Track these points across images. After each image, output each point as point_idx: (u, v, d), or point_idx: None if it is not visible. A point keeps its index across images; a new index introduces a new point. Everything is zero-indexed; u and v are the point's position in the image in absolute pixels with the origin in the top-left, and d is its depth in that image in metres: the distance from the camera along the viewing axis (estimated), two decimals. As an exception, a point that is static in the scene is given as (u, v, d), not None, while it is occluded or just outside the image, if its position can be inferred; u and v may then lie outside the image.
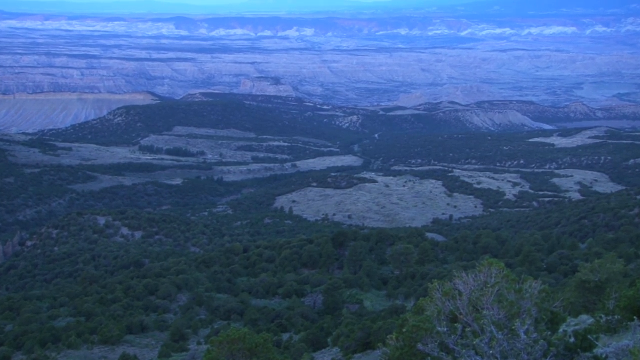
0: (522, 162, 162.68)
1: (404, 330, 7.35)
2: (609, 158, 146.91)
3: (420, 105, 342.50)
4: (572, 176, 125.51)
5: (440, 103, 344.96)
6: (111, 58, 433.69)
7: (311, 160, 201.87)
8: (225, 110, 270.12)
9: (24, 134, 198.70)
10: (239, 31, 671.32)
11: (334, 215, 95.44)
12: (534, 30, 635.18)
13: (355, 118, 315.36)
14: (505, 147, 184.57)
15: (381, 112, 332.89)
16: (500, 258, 30.60)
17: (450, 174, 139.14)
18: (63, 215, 75.53)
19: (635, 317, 7.22)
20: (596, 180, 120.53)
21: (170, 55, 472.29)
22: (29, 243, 64.79)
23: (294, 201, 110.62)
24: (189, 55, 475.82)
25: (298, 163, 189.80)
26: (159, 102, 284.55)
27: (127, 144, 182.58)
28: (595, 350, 6.29)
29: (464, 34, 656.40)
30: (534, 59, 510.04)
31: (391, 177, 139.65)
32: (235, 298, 31.47)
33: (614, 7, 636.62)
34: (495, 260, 8.15)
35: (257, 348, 8.75)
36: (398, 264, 34.72)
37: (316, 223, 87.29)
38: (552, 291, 8.07)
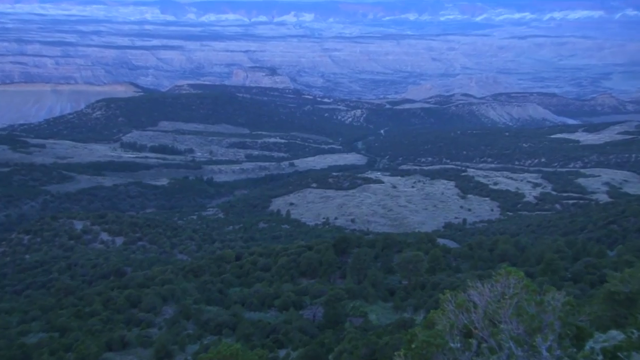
0: (543, 160, 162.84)
1: (413, 346, 7.31)
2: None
3: (430, 97, 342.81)
4: (599, 176, 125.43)
5: (453, 95, 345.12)
6: (89, 45, 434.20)
7: (310, 159, 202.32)
8: (215, 104, 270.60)
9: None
10: (230, 16, 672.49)
11: (336, 219, 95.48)
12: (556, 15, 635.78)
13: (358, 112, 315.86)
14: (524, 144, 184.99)
15: (387, 106, 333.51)
16: (519, 266, 30.57)
17: (463, 174, 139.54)
18: (35, 219, 75.43)
19: (670, 332, 7.18)
20: (626, 181, 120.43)
21: (155, 42, 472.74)
22: (-3, 250, 64.70)
23: (291, 203, 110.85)
24: (176, 42, 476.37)
25: (296, 161, 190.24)
26: (142, 94, 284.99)
27: (107, 141, 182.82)
28: (625, 369, 6.24)
29: (478, 19, 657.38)
30: (556, 46, 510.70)
31: (398, 177, 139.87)
32: (227, 310, 31.43)
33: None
34: (513, 269, 8.12)
35: (249, 366, 8.70)
36: (406, 273, 34.69)
37: (316, 227, 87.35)
38: (578, 303, 8.03)
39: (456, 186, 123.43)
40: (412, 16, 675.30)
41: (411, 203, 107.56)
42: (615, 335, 8.26)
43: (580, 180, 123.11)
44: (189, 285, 36.52)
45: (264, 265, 39.91)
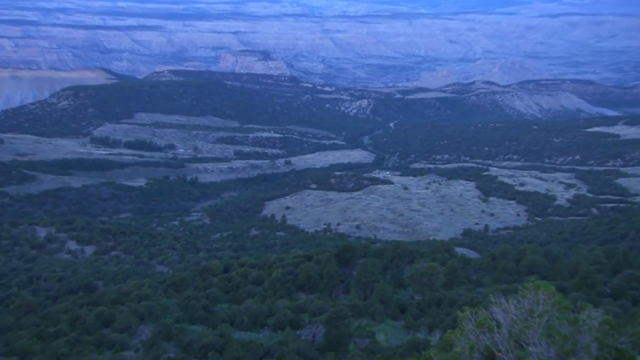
0: (577, 157, 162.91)
1: (427, 371, 7.31)
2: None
3: (447, 86, 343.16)
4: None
5: (473, 83, 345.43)
6: (54, 25, 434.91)
7: (309, 156, 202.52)
8: (200, 93, 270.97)
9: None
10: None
11: (338, 224, 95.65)
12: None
13: (364, 102, 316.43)
14: (555, 139, 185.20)
15: (397, 95, 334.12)
16: (550, 280, 30.58)
17: (485, 173, 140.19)
18: (-8, 226, 75.41)
19: None
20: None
21: (131, 22, 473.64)
22: (-51, 261, 64.74)
23: (287, 207, 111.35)
24: (155, 22, 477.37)
25: (293, 159, 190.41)
26: (115, 81, 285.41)
27: (75, 135, 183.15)
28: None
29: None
30: (593, 25, 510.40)
31: (410, 177, 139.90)
32: (213, 330, 31.43)
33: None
34: (543, 282, 8.11)
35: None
36: (419, 287, 34.74)
37: (316, 235, 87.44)
38: (618, 323, 8.03)
39: (477, 187, 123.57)
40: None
41: (425, 207, 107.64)
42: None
43: (621, 181, 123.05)
44: (170, 301, 36.55)
45: (256, 278, 39.94)
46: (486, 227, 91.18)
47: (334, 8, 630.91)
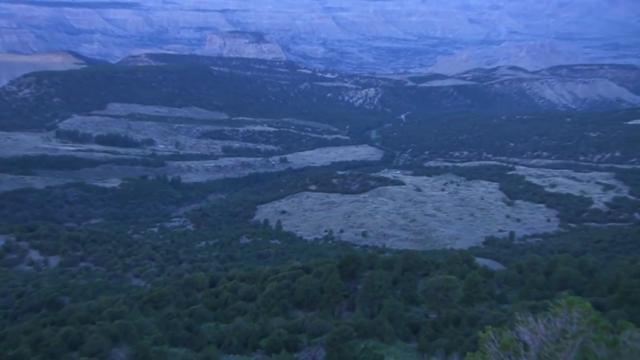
0: (617, 154, 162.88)
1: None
2: None
3: (466, 72, 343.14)
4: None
5: (496, 69, 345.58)
6: (13, 1, 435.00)
7: (308, 153, 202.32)
8: (183, 80, 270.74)
9: None
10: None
11: (342, 231, 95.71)
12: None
13: (372, 91, 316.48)
14: (592, 133, 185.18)
15: (410, 83, 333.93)
16: (585, 296, 30.56)
17: (510, 173, 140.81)
18: (-57, 233, 75.39)
19: None
20: None
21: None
22: None
23: (283, 211, 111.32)
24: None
25: (289, 156, 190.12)
26: (85, 66, 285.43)
27: (39, 128, 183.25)
28: None
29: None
30: (635, 2, 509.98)
31: (424, 177, 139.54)
32: (198, 353, 31.42)
33: None
34: (577, 298, 8.10)
35: None
36: (434, 304, 34.72)
37: (315, 243, 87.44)
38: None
39: (500, 189, 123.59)
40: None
41: (441, 211, 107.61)
42: None
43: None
44: (148, 320, 36.52)
45: (246, 293, 39.97)
46: (511, 234, 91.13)
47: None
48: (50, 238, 70.81)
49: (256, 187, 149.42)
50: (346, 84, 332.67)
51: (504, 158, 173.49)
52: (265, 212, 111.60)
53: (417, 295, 37.47)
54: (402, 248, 79.41)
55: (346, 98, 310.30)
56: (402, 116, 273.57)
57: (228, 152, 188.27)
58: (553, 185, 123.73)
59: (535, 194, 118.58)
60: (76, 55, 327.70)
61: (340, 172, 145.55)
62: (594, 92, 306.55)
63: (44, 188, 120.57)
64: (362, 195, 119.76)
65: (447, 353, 28.98)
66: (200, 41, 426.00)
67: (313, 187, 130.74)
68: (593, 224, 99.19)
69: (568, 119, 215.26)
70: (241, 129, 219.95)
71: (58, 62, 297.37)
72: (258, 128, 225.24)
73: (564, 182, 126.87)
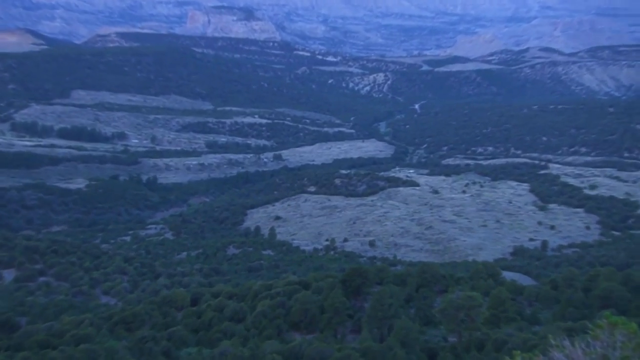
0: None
1: None
2: None
3: (491, 54, 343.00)
4: None
5: (526, 50, 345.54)
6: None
7: (306, 149, 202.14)
8: (160, 64, 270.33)
9: None
10: None
11: (346, 240, 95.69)
12: None
13: (381, 77, 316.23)
14: (638, 126, 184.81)
15: (425, 67, 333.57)
16: (630, 316, 30.46)
17: (543, 172, 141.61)
18: None
19: None
20: None
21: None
22: None
23: (277, 217, 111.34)
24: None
25: (284, 153, 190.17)
26: (45, 47, 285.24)
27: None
28: None
29: None
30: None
31: (442, 177, 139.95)
32: (176, 384, 31.45)
33: None
34: (621, 319, 8.06)
35: None
36: (455, 325, 34.65)
37: (315, 254, 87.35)
38: None
39: (531, 191, 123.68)
40: None
41: (462, 217, 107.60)
42: None
43: None
44: (119, 344, 36.50)
45: (234, 312, 39.92)
46: (544, 244, 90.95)
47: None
48: (4, 248, 70.69)
49: (246, 188, 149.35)
50: (351, 69, 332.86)
51: (535, 155, 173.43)
52: (257, 218, 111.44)
53: (434, 315, 37.41)
54: (416, 260, 79.28)
55: (351, 85, 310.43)
56: (416, 106, 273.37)
57: (213, 147, 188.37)
58: (593, 187, 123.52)
59: (572, 196, 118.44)
60: (35, 34, 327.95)
61: (343, 172, 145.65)
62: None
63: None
64: (370, 198, 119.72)
65: (469, 382, 28.97)
66: (180, 18, 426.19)
67: (312, 189, 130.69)
68: None
69: (611, 109, 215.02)
70: (228, 121, 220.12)
71: (13, 42, 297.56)
72: (248, 120, 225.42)
73: (606, 183, 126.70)
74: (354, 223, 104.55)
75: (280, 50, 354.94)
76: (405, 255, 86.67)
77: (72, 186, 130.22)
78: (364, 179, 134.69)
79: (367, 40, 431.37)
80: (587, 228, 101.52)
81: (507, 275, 50.87)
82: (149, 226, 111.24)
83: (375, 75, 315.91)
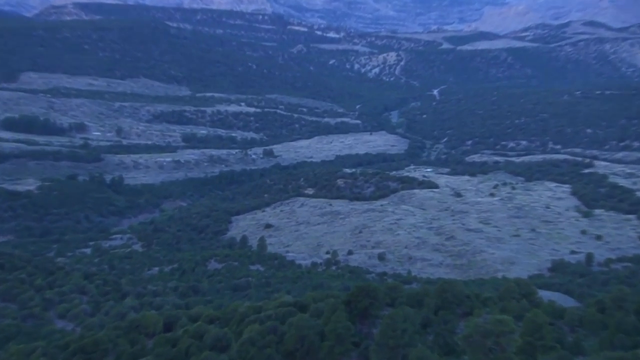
0: None
1: None
2: None
3: (525, 29, 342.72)
4: None
5: (567, 25, 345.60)
6: None
7: (303, 144, 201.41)
8: (127, 41, 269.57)
9: None
10: None
11: (350, 253, 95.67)
12: None
13: (392, 57, 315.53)
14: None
15: (445, 45, 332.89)
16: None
17: (587, 171, 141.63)
18: None
19: None
20: None
21: None
22: None
23: (268, 225, 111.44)
24: None
25: (276, 148, 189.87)
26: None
27: None
28: None
29: None
30: None
31: (466, 178, 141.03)
32: None
33: None
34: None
35: None
36: (482, 355, 34.69)
37: (313, 270, 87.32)
38: None
39: (573, 194, 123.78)
40: None
41: (490, 225, 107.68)
42: None
43: None
44: (77, 377, 36.56)
45: (216, 340, 39.87)
46: (589, 257, 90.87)
47: None
48: (-59, 262, 70.60)
49: (230, 191, 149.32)
50: (356, 47, 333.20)
51: (578, 150, 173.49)
52: (243, 227, 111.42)
53: (457, 343, 37.43)
54: (435, 276, 79.23)
55: (356, 67, 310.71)
56: (435, 91, 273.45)
57: (191, 141, 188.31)
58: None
59: (622, 200, 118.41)
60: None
61: (348, 171, 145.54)
62: None
63: None
64: (379, 202, 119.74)
65: (499, 423, 28.98)
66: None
67: (310, 192, 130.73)
68: None
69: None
70: (209, 110, 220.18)
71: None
72: (233, 108, 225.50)
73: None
74: (360, 232, 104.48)
75: (271, 24, 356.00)
76: (421, 271, 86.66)
77: (21, 188, 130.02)
78: (372, 179, 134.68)
79: (376, 13, 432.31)
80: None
81: (545, 295, 50.87)
82: (114, 236, 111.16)
83: (385, 54, 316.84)
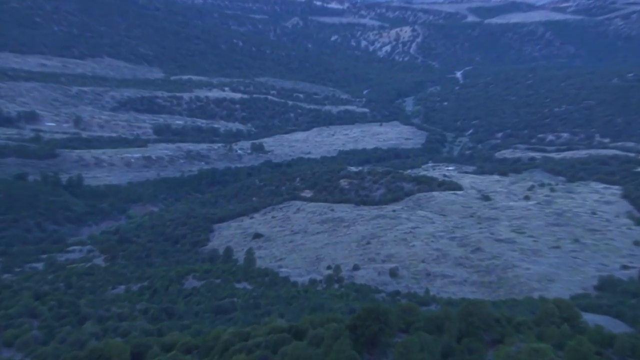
0: None
1: None
2: None
3: (565, 0, 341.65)
4: None
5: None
6: None
7: (299, 136, 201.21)
8: (87, 12, 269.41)
9: None
10: None
11: (356, 269, 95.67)
12: None
13: (407, 32, 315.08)
14: None
15: (471, 18, 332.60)
16: None
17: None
18: None
19: None
20: None
21: None
22: None
23: (257, 234, 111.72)
24: None
25: (267, 142, 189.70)
26: None
27: None
28: None
29: None
30: None
31: (496, 177, 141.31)
32: None
33: None
34: None
35: None
36: (515, 392, 34.69)
37: (312, 288, 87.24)
38: None
39: (625, 197, 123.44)
40: None
41: (524, 234, 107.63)
42: None
43: None
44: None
45: (194, 373, 39.83)
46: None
47: None
48: None
49: (212, 193, 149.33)
50: (364, 20, 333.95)
51: (630, 145, 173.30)
52: (228, 236, 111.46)
53: (485, 377, 37.40)
54: (458, 296, 79.14)
55: (364, 44, 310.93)
56: (458, 74, 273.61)
57: (164, 134, 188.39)
58: None
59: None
60: None
61: (353, 169, 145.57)
62: None
63: None
64: (391, 207, 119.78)
65: None
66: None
67: (308, 194, 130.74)
68: None
69: None
70: (186, 96, 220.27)
71: None
72: (215, 94, 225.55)
73: None
74: (368, 243, 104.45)
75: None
76: (441, 290, 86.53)
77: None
78: (383, 179, 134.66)
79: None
80: None
81: (590, 318, 50.71)
82: (71, 247, 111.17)
83: (398, 29, 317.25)
